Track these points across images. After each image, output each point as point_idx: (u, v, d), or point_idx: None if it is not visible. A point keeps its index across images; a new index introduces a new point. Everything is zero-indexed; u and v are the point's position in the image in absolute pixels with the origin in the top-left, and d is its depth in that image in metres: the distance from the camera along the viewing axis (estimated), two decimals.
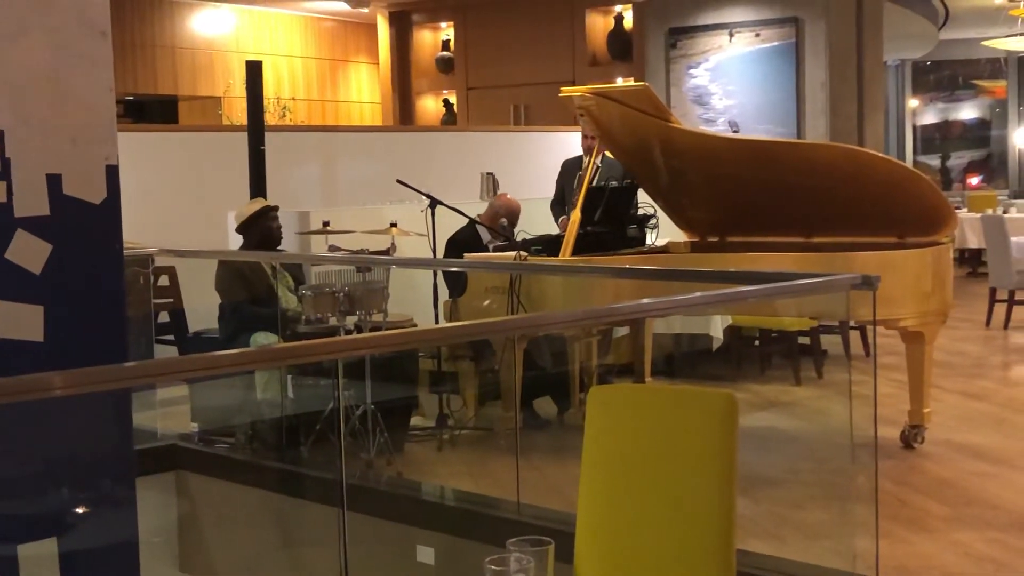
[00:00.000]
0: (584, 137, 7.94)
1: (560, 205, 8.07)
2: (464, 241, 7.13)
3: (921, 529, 4.95)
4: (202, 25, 14.52)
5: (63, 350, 3.17)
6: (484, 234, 7.22)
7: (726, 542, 2.60)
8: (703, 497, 2.61)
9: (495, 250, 7.08)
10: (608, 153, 7.25)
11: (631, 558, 2.68)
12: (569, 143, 10.21)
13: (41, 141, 3.14)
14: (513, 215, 7.33)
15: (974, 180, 18.73)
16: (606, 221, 6.90)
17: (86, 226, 3.23)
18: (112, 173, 3.28)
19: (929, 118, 19.77)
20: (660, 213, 7.21)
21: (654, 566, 2.65)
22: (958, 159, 19.47)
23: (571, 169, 8.08)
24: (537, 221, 7.98)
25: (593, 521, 2.75)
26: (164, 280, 7.50)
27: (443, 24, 14.90)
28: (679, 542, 2.63)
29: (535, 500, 4.48)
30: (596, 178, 7.75)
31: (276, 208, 6.78)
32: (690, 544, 2.62)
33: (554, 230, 7.70)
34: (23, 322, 3.12)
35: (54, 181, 3.17)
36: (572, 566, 2.74)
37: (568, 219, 7.64)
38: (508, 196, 7.59)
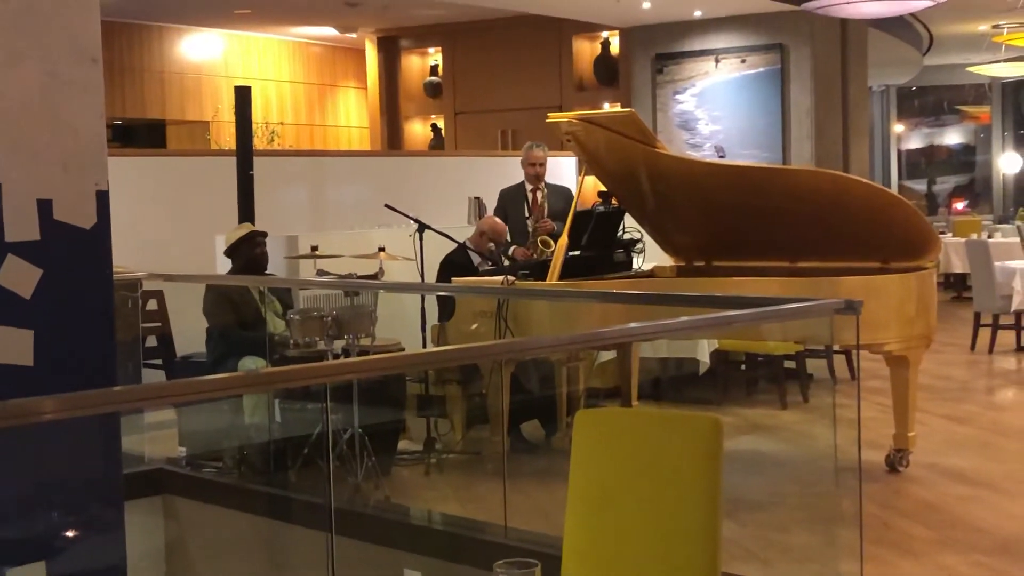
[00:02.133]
0: (531, 165, 7.98)
1: None
2: (458, 263, 7.16)
3: (906, 552, 4.97)
4: (190, 50, 14.56)
5: (53, 374, 3.18)
6: (476, 257, 7.26)
7: (711, 565, 2.63)
8: (689, 520, 2.63)
9: (483, 274, 7.10)
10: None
11: None
12: (556, 168, 10.26)
13: (32, 167, 3.16)
14: (498, 236, 7.35)
15: (959, 205, 18.84)
16: (593, 246, 6.93)
17: (77, 251, 3.25)
18: (102, 198, 3.30)
19: (914, 143, 19.89)
20: (646, 238, 7.24)
21: None
22: (943, 184, 19.58)
23: (511, 199, 8.10)
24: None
25: (579, 544, 2.77)
26: (152, 304, 7.51)
27: (431, 49, 14.98)
28: (665, 565, 2.65)
29: (522, 524, 4.49)
30: (543, 203, 7.83)
31: (264, 234, 6.79)
32: (675, 567, 2.64)
33: None
34: (13, 346, 3.14)
35: (45, 206, 3.19)
36: None
37: (520, 249, 7.70)
38: (494, 218, 7.63)
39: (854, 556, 3.50)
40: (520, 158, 8.16)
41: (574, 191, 7.71)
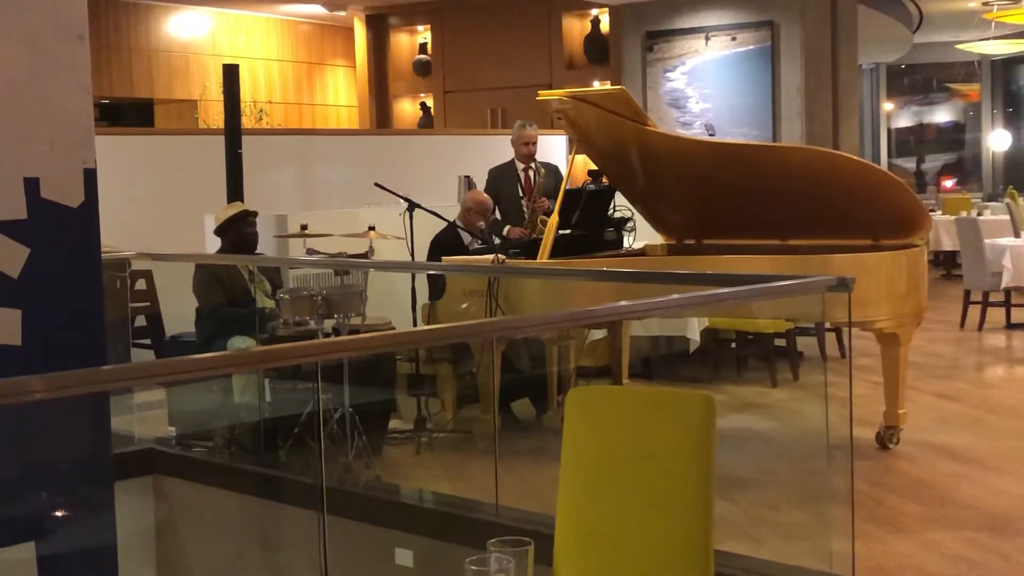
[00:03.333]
0: (523, 144, 7.96)
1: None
2: (447, 242, 7.14)
3: (896, 529, 4.98)
4: (178, 28, 14.48)
5: (41, 354, 3.17)
6: (465, 235, 7.24)
7: (704, 543, 2.62)
8: (681, 498, 2.63)
9: (473, 252, 7.09)
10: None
11: (609, 559, 2.70)
12: (546, 146, 10.23)
13: (19, 145, 3.14)
14: (483, 208, 7.30)
15: (949, 183, 18.85)
16: (583, 224, 6.92)
17: (64, 230, 3.23)
18: (90, 176, 3.28)
19: (904, 121, 19.88)
20: (637, 216, 7.23)
21: (632, 567, 2.67)
22: (933, 162, 19.59)
23: (502, 178, 8.08)
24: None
25: (572, 522, 2.76)
26: (141, 284, 7.49)
27: (420, 27, 14.90)
28: (657, 543, 2.64)
29: (514, 502, 4.48)
30: (536, 182, 7.82)
31: (254, 214, 6.76)
32: (668, 545, 2.63)
33: None
34: (1, 326, 3.12)
35: (32, 185, 3.16)
36: (552, 568, 2.75)
37: (516, 230, 7.68)
38: (477, 191, 7.61)
39: (845, 533, 3.50)
40: (511, 137, 8.13)
41: (564, 170, 7.69)
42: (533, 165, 7.99)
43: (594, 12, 13.56)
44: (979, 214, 12.78)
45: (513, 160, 8.07)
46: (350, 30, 15.27)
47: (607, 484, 2.72)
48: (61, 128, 3.22)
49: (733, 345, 8.43)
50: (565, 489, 2.78)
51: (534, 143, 7.98)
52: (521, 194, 7.96)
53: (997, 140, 18.77)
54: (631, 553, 2.67)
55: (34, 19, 3.17)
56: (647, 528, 2.65)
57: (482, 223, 7.29)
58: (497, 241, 7.25)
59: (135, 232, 7.45)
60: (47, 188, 3.19)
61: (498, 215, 7.92)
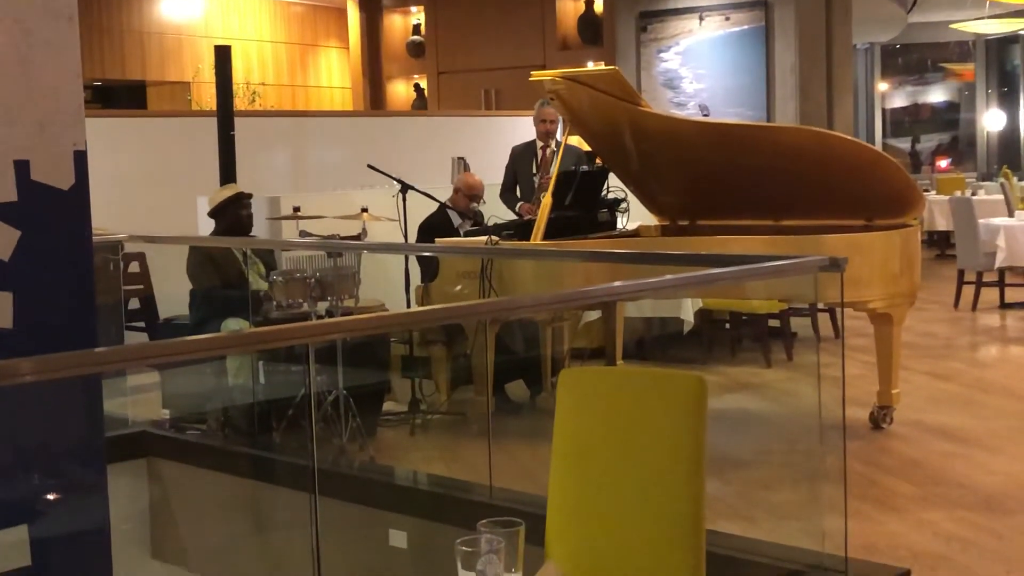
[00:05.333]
0: (542, 122, 7.94)
1: (511, 192, 8.06)
2: (435, 225, 7.13)
3: (889, 508, 4.99)
4: (170, 9, 14.43)
5: (32, 337, 3.16)
6: (455, 218, 7.23)
7: (695, 522, 2.63)
8: (673, 478, 2.63)
9: (466, 234, 7.08)
10: (568, 141, 7.25)
11: (601, 539, 2.70)
12: None
13: (8, 127, 3.12)
14: (470, 191, 7.29)
15: (943, 163, 18.83)
16: (577, 205, 6.91)
17: (55, 212, 3.22)
18: (80, 159, 3.27)
19: (898, 101, 19.85)
20: (631, 197, 7.22)
21: (624, 547, 2.67)
22: (927, 142, 19.56)
23: (521, 156, 8.08)
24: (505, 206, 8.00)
25: (563, 503, 2.77)
26: (134, 267, 7.47)
27: (413, 8, 14.86)
28: (649, 523, 2.64)
29: (507, 484, 4.50)
30: (553, 160, 7.77)
31: (249, 196, 6.74)
32: (660, 524, 2.63)
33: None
34: None
35: (22, 167, 3.15)
36: (543, 548, 2.75)
37: (527, 205, 7.67)
38: (468, 174, 7.59)
39: (838, 513, 3.51)
40: (532, 116, 8.13)
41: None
42: (553, 144, 7.96)
43: None
44: (973, 194, 12.77)
45: (535, 139, 8.07)
46: (343, 11, 15.22)
47: (598, 464, 2.73)
48: (51, 110, 3.20)
49: (727, 326, 8.44)
50: (556, 469, 2.78)
51: (552, 121, 7.94)
52: (535, 171, 7.96)
53: (992, 120, 18.74)
54: (622, 533, 2.67)
55: (22, 0, 3.15)
56: (638, 508, 2.65)
57: (474, 205, 7.29)
58: (494, 223, 7.22)
59: (128, 214, 7.44)
60: (37, 170, 3.18)
61: (518, 192, 7.95)
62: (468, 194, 7.26)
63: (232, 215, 6.60)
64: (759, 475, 5.59)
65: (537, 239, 6.48)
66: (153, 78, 14.41)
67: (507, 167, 8.15)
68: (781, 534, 4.55)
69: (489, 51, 13.82)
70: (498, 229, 6.76)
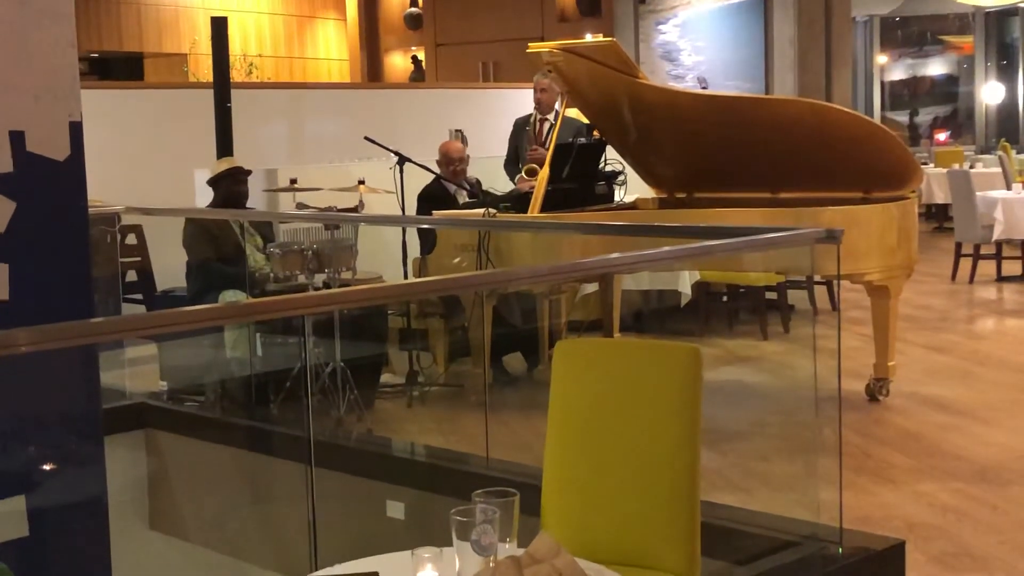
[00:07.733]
0: (535, 91, 7.88)
1: (514, 164, 8.02)
2: (434, 195, 7.12)
3: (885, 480, 5.01)
4: None
5: (29, 308, 3.16)
6: (449, 187, 7.21)
7: (691, 493, 2.64)
8: (667, 449, 2.64)
9: (464, 206, 7.07)
10: (567, 112, 7.22)
11: (596, 510, 2.71)
12: None
13: (3, 98, 3.12)
14: (445, 157, 7.25)
15: (941, 136, 18.80)
16: (574, 177, 6.89)
17: (50, 183, 3.22)
18: (76, 130, 3.26)
19: (897, 74, 19.79)
20: (628, 170, 7.21)
21: (619, 518, 2.68)
22: (926, 115, 19.51)
23: (522, 128, 8.04)
24: (504, 178, 7.98)
25: (559, 473, 2.77)
26: (131, 239, 7.47)
27: None
28: (643, 493, 2.66)
29: (504, 455, 4.51)
30: (549, 134, 7.73)
31: (248, 172, 6.72)
32: (655, 495, 2.65)
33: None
34: None
35: (17, 138, 3.15)
36: (539, 518, 2.76)
37: (522, 178, 7.63)
38: (446, 141, 7.57)
39: (834, 484, 3.53)
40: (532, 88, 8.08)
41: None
42: (550, 116, 7.90)
43: None
44: (971, 167, 12.76)
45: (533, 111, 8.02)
46: None
47: (593, 435, 2.73)
48: (46, 81, 3.20)
49: (724, 298, 8.45)
50: (552, 440, 2.79)
51: (543, 89, 7.85)
52: (529, 143, 7.93)
53: (991, 92, 18.69)
54: (617, 503, 2.68)
55: None
56: (633, 478, 2.66)
57: (476, 179, 7.26)
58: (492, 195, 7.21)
59: (125, 186, 7.42)
60: (32, 141, 3.18)
61: (520, 164, 7.92)
62: (444, 161, 7.23)
63: (228, 189, 6.59)
64: (755, 447, 5.61)
65: (535, 211, 6.48)
66: (150, 50, 14.36)
67: (510, 139, 8.12)
68: (776, 505, 4.57)
69: (487, 23, 13.78)
70: (496, 201, 6.75)
